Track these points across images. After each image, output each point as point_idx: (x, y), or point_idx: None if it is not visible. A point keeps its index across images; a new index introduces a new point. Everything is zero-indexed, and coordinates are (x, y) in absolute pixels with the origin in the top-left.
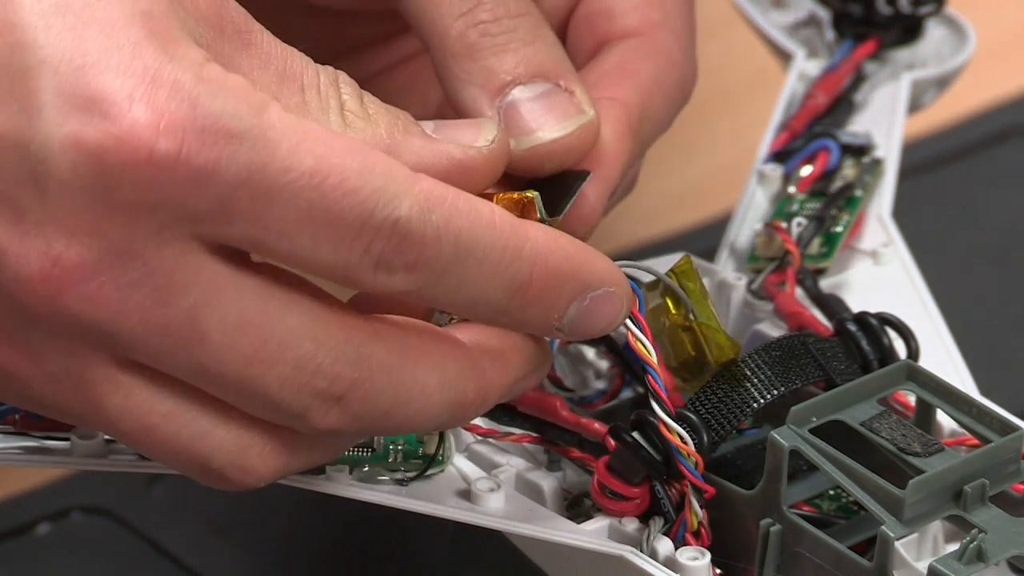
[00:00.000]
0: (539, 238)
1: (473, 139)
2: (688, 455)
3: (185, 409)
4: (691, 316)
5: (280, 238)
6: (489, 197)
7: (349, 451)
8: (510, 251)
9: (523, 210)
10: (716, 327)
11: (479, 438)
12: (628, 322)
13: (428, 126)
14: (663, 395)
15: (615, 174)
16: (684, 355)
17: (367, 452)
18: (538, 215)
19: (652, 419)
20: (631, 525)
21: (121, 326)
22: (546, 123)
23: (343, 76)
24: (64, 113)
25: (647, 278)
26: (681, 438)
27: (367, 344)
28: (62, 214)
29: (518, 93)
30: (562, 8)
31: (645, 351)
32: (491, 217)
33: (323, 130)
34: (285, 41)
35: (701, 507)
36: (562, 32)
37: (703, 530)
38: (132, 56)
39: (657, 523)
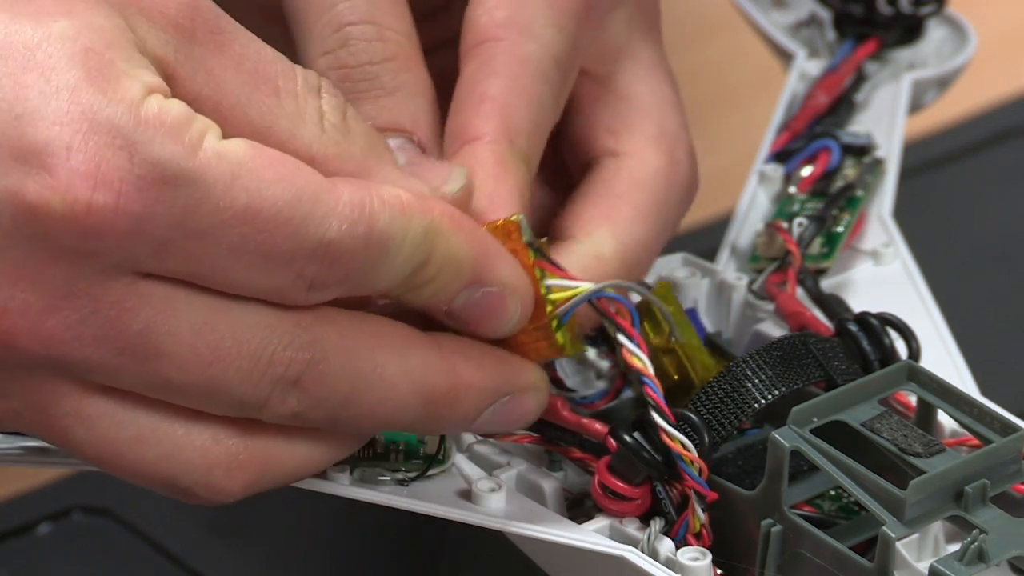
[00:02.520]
0: (445, 215)
1: (441, 182)
2: (691, 462)
3: (150, 431)
4: (673, 338)
5: (215, 270)
6: None
7: None
8: (420, 233)
9: (508, 234)
10: (698, 346)
11: (480, 438)
12: (621, 337)
13: (402, 157)
14: (662, 404)
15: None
16: (667, 383)
17: (368, 452)
18: (524, 237)
19: (652, 419)
20: (632, 525)
21: (76, 358)
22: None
23: (327, 85)
24: (4, 166)
25: (636, 298)
26: (683, 445)
27: (318, 326)
28: (5, 264)
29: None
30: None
31: (640, 363)
32: (400, 206)
33: (255, 157)
34: None
35: (704, 511)
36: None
37: (704, 530)
38: (70, 102)
39: (658, 523)
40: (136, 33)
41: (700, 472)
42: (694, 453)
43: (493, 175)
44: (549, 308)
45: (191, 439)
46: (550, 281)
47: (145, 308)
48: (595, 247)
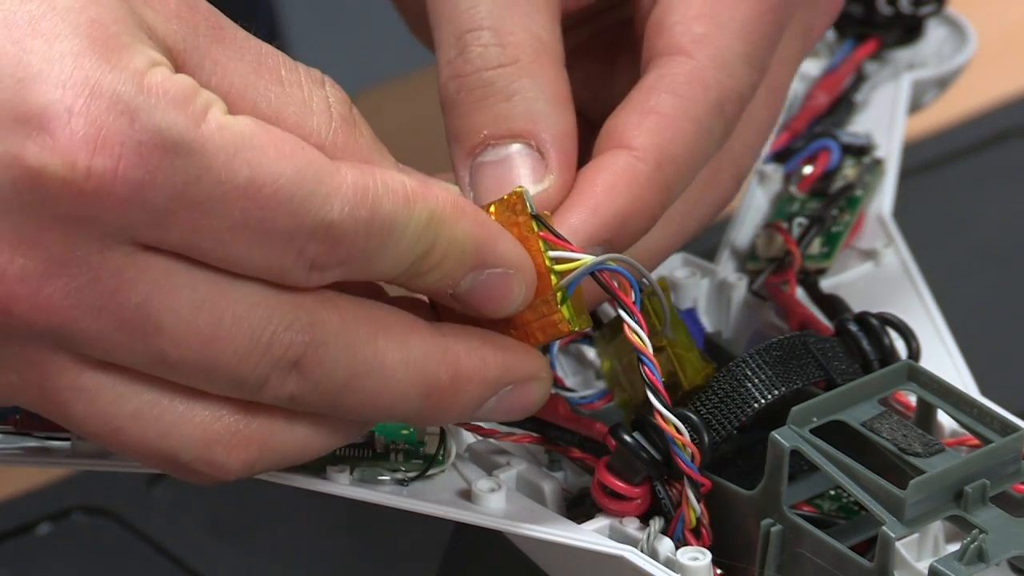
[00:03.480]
0: (446, 202)
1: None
2: (684, 446)
3: (149, 407)
4: (665, 336)
5: (215, 245)
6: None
7: (349, 451)
8: (423, 223)
9: (511, 207)
10: (690, 345)
11: (480, 438)
12: (622, 313)
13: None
14: (659, 385)
15: (598, 226)
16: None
17: (368, 452)
18: (528, 210)
19: (651, 416)
20: (631, 525)
21: (74, 328)
22: (501, 194)
23: (329, 80)
24: (5, 129)
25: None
26: (677, 429)
27: (319, 310)
28: (3, 229)
29: (486, 156)
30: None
31: (640, 341)
32: (404, 193)
33: (260, 134)
34: None
35: (699, 500)
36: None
37: (704, 530)
38: (73, 67)
39: (657, 523)
40: (144, 20)
41: (693, 458)
42: (686, 437)
43: (609, 188)
44: (554, 280)
45: (191, 415)
46: (554, 253)
47: (144, 281)
48: (622, 155)
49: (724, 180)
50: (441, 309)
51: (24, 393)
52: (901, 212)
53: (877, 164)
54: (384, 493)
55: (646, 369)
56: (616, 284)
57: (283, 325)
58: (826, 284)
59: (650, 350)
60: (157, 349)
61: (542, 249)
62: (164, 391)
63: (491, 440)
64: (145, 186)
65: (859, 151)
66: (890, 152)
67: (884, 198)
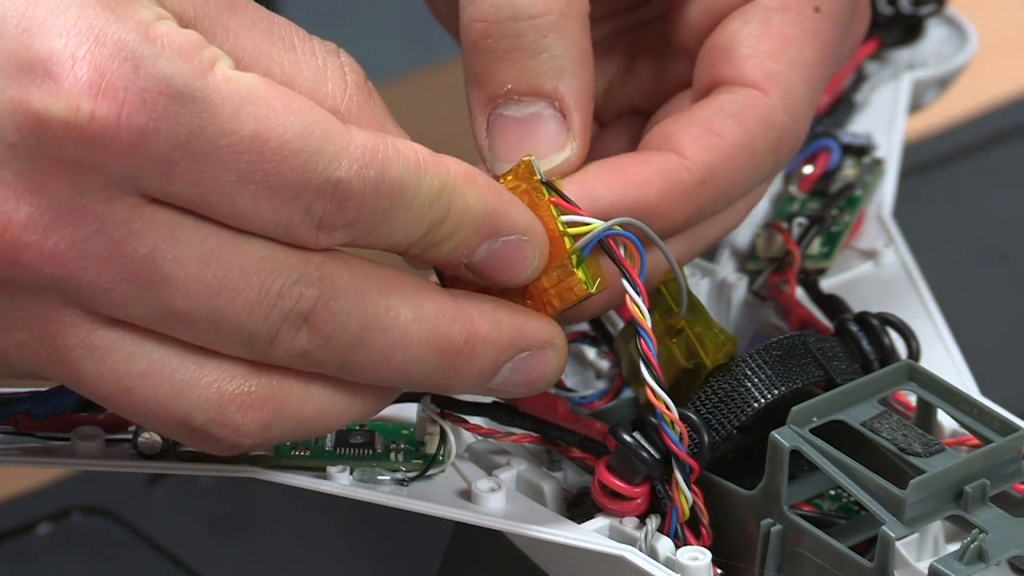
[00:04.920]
0: (459, 172)
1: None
2: (672, 424)
3: (160, 366)
4: (683, 319)
5: (221, 198)
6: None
7: (349, 451)
8: (435, 190)
9: (521, 175)
10: (709, 323)
11: (480, 438)
12: (624, 283)
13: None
14: (652, 359)
15: (617, 202)
16: (676, 369)
17: (367, 452)
18: (538, 177)
19: (652, 418)
20: (631, 525)
21: (82, 279)
22: (521, 153)
23: (344, 52)
24: (9, 76)
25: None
26: (666, 405)
27: (328, 264)
28: (9, 177)
29: (507, 110)
30: (698, 32)
31: (639, 313)
32: (415, 159)
33: (267, 89)
34: None
35: (688, 485)
36: (693, 56)
37: (704, 530)
38: (78, 16)
39: (654, 521)
40: None
41: (681, 438)
42: (675, 414)
43: (645, 178)
44: (568, 244)
45: (203, 374)
46: (566, 217)
47: (150, 232)
48: (674, 158)
49: (740, 209)
50: (452, 284)
51: (34, 353)
52: (901, 212)
53: (877, 164)
54: (384, 493)
55: (642, 342)
56: (623, 253)
57: (292, 278)
58: (826, 284)
59: (648, 323)
60: (165, 301)
61: (554, 215)
62: (175, 349)
63: (491, 440)
64: (149, 132)
65: (859, 151)
66: (890, 152)
67: (884, 198)
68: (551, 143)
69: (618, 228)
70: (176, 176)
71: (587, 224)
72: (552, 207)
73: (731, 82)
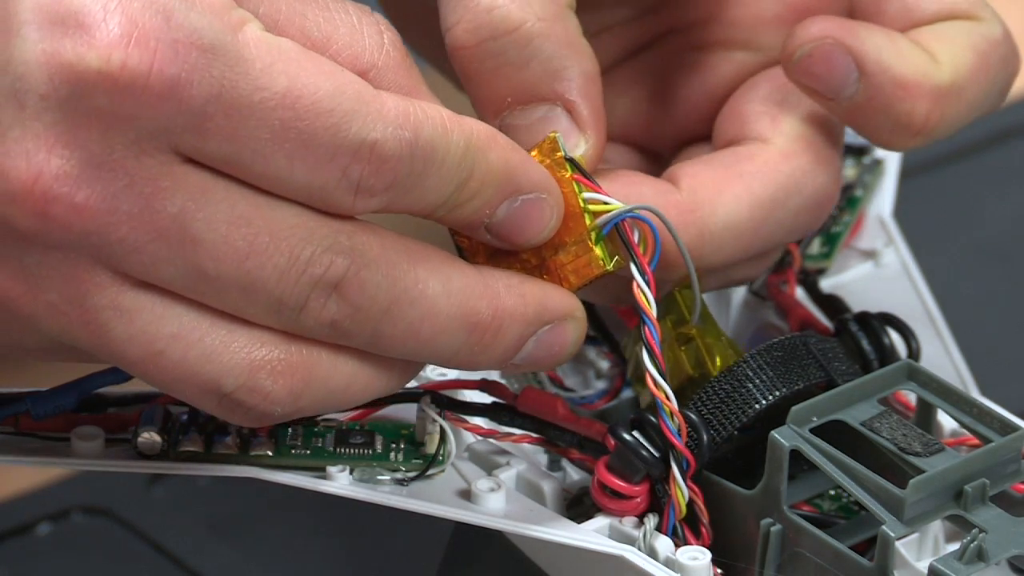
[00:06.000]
0: (480, 132)
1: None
2: (672, 414)
3: (191, 329)
4: (694, 326)
5: (255, 156)
6: None
7: (349, 451)
8: (461, 149)
9: (544, 150)
10: (718, 334)
11: (479, 438)
12: (633, 269)
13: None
14: (656, 349)
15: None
16: (683, 377)
17: (367, 452)
18: (562, 152)
19: (651, 417)
20: (631, 525)
21: (112, 236)
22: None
23: (378, 15)
24: (42, 30)
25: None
26: (666, 395)
27: (359, 235)
28: (41, 129)
29: (514, 119)
30: (719, 97)
31: (645, 302)
32: (442, 120)
33: (298, 51)
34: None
35: (684, 478)
36: (712, 116)
37: (703, 529)
38: None
39: (652, 519)
40: None
41: (680, 430)
42: (674, 405)
43: (642, 188)
44: (588, 221)
45: (233, 339)
46: (587, 194)
47: (181, 191)
48: (695, 200)
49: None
50: (470, 255)
51: (64, 315)
52: (901, 212)
53: (877, 164)
54: (384, 493)
55: (646, 329)
56: (637, 239)
57: (323, 246)
58: (826, 284)
59: (653, 312)
60: (194, 262)
61: (576, 191)
62: (205, 314)
63: (491, 440)
64: (181, 84)
65: (859, 151)
66: (890, 152)
67: (884, 198)
68: (566, 141)
69: (639, 213)
70: (209, 131)
71: (607, 203)
72: (574, 183)
73: (751, 139)
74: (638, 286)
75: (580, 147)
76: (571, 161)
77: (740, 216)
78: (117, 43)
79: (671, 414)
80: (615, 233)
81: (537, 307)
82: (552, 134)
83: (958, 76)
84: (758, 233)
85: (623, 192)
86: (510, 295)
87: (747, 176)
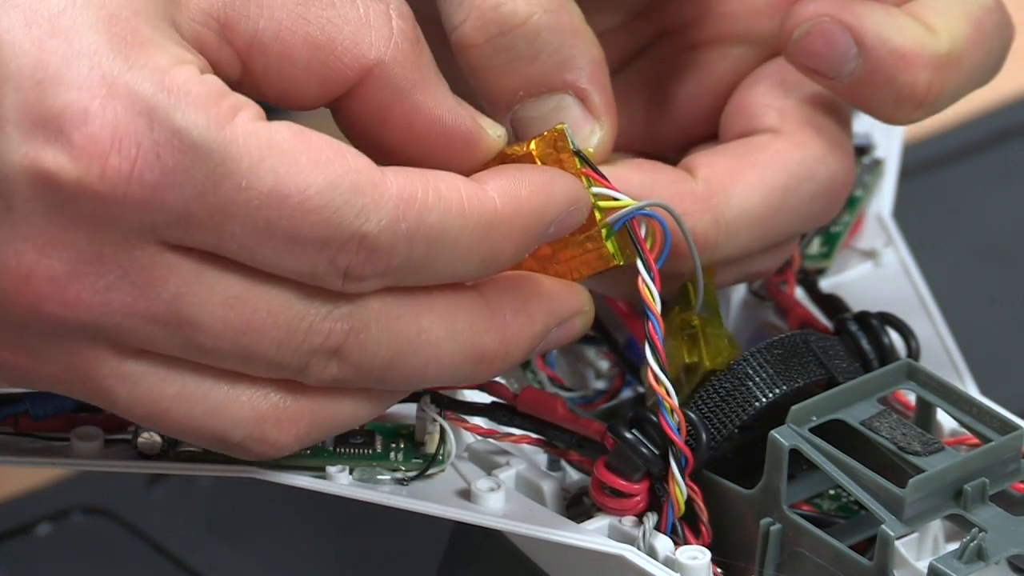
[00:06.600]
0: (505, 205)
1: (490, 126)
2: (672, 410)
3: (193, 388)
4: (698, 315)
5: (241, 249)
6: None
7: (349, 451)
8: (480, 231)
9: (554, 143)
10: (720, 328)
11: (479, 438)
12: (640, 266)
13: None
14: (659, 344)
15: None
16: (680, 363)
17: (367, 452)
18: (571, 146)
19: (651, 416)
20: (631, 524)
21: (108, 323)
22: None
23: None
24: (24, 131)
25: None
26: (667, 391)
27: (359, 296)
28: (28, 230)
29: (527, 112)
30: (721, 95)
31: (650, 297)
32: (460, 203)
33: (293, 141)
34: None
35: (683, 475)
36: (715, 115)
37: (703, 528)
38: (90, 66)
39: (651, 519)
40: (159, 10)
41: (679, 426)
42: (675, 401)
43: (655, 183)
44: (598, 216)
45: (237, 395)
46: (597, 189)
47: (174, 278)
48: (710, 189)
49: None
50: None
51: (68, 383)
52: (901, 212)
53: (877, 164)
54: (384, 493)
55: (650, 325)
56: (643, 234)
57: (321, 315)
58: (826, 284)
59: (658, 308)
60: (192, 340)
61: (586, 186)
62: (206, 374)
63: (491, 440)
64: (162, 188)
65: (859, 151)
66: (890, 152)
67: (884, 198)
68: (580, 129)
69: (649, 210)
70: (194, 228)
71: (616, 199)
72: (584, 178)
73: (760, 131)
74: (643, 281)
75: (595, 134)
76: (579, 155)
77: (755, 204)
78: (96, 151)
79: (671, 410)
80: (625, 228)
81: (545, 319)
82: (559, 126)
83: (955, 45)
84: (773, 221)
85: (641, 179)
86: (517, 319)
87: (760, 165)
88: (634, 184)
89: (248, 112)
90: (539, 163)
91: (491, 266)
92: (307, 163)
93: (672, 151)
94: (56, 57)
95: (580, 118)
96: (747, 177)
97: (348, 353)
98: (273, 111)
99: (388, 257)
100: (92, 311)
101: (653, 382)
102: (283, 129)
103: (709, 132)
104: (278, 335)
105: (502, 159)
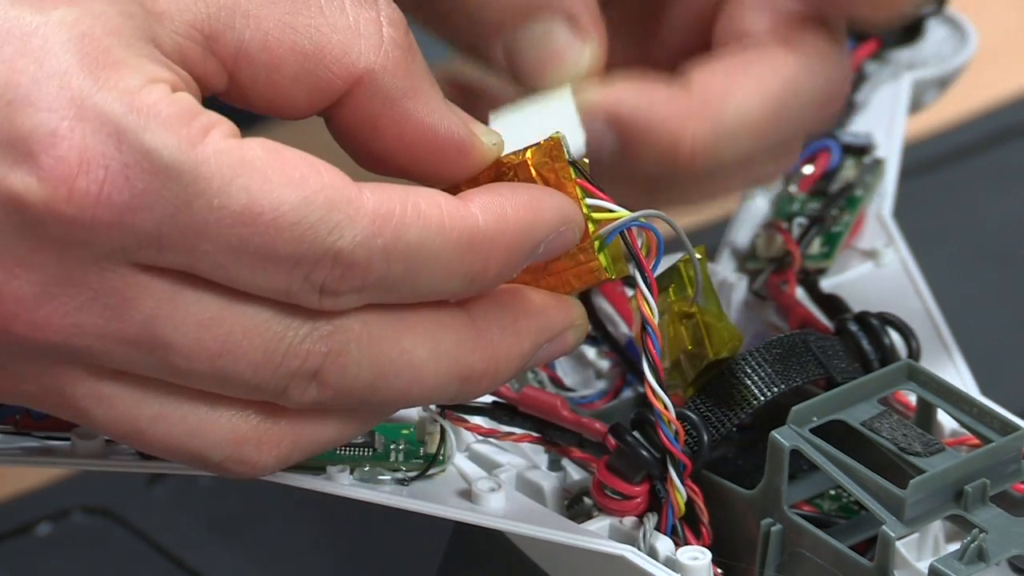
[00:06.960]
0: (488, 222)
1: (484, 133)
2: (669, 423)
3: (172, 410)
4: (695, 302)
5: (215, 268)
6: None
7: (349, 451)
8: (461, 247)
9: (550, 153)
10: (720, 315)
11: (480, 438)
12: (638, 277)
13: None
14: (656, 358)
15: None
16: (680, 349)
17: (368, 452)
18: (566, 156)
19: (651, 416)
20: (631, 525)
21: (79, 345)
22: (546, 69)
23: (382, 4)
24: None
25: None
26: (664, 404)
27: (339, 316)
28: None
29: (515, 41)
30: (709, 11)
31: (648, 310)
32: (440, 219)
33: (266, 159)
34: None
35: (683, 481)
36: (704, 34)
37: (703, 529)
38: (60, 86)
39: (651, 519)
40: (156, 7)
41: (677, 436)
42: (672, 414)
43: (654, 104)
44: (592, 228)
45: (215, 416)
46: (591, 201)
47: (146, 299)
48: (706, 98)
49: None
50: None
51: (45, 402)
52: (901, 212)
53: (877, 164)
54: (384, 493)
55: (648, 339)
56: (640, 244)
57: (299, 337)
58: (826, 284)
59: (656, 321)
60: (167, 361)
61: (579, 196)
62: (184, 396)
63: (491, 440)
64: (132, 209)
65: (859, 151)
66: (890, 152)
67: (884, 198)
68: (571, 51)
69: (643, 220)
70: (166, 249)
71: (611, 211)
72: (578, 188)
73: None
74: (641, 294)
75: (585, 54)
76: (575, 165)
77: (752, 109)
78: (64, 173)
79: (668, 422)
80: (620, 239)
81: (535, 336)
82: (555, 135)
83: None
84: (772, 124)
85: (637, 98)
86: (504, 337)
87: (754, 73)
88: (630, 102)
89: (220, 130)
90: (534, 171)
91: (475, 284)
92: (280, 180)
93: (668, 71)
94: (26, 77)
95: (569, 42)
96: (743, 83)
97: (327, 376)
98: (263, 120)
99: (364, 273)
100: (62, 333)
101: (651, 396)
102: (256, 146)
103: (703, 49)
104: (255, 357)
105: (497, 167)
